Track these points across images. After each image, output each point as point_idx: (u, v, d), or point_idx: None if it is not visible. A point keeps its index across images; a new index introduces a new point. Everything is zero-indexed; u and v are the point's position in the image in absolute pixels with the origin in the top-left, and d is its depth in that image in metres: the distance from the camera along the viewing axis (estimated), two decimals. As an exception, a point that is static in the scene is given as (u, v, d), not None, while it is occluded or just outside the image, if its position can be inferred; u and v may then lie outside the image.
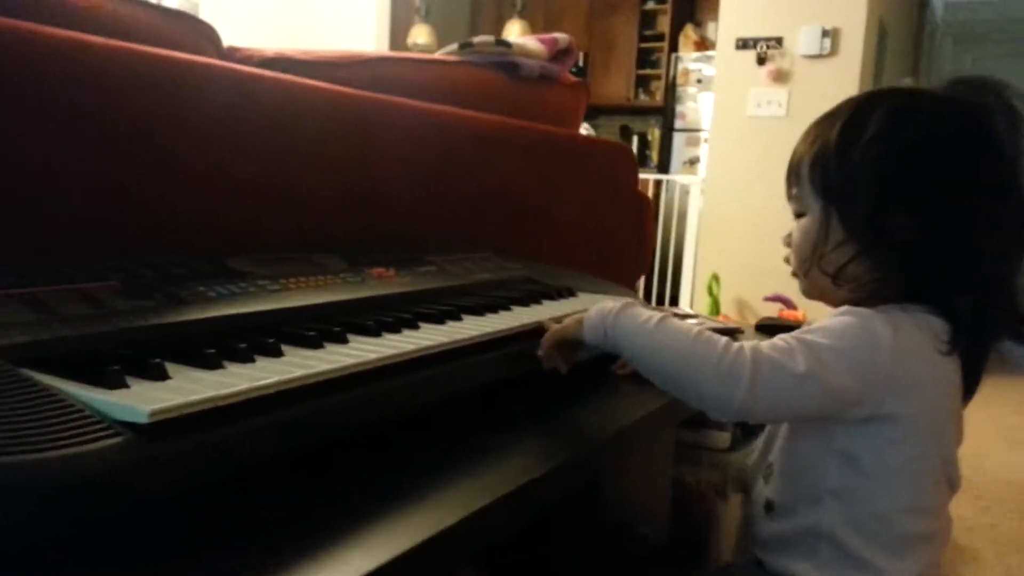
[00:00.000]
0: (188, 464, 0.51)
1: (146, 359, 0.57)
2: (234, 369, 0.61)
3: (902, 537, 0.75)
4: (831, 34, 3.75)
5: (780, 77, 3.87)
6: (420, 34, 5.29)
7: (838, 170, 0.76)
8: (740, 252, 3.92)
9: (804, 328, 0.76)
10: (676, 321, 0.78)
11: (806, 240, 0.79)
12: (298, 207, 1.09)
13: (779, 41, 3.88)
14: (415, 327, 0.81)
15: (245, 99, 1.00)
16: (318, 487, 0.58)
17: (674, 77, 5.74)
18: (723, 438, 1.27)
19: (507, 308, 0.96)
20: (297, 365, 0.63)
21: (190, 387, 0.55)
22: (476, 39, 1.72)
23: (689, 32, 5.83)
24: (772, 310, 3.67)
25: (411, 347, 0.72)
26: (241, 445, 0.54)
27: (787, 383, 0.71)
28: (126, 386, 0.54)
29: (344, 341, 0.72)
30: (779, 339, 0.74)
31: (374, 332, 0.76)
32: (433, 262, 1.10)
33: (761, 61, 3.90)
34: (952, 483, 0.78)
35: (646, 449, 1.03)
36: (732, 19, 4.02)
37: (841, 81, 3.72)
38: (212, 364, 0.60)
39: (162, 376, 0.57)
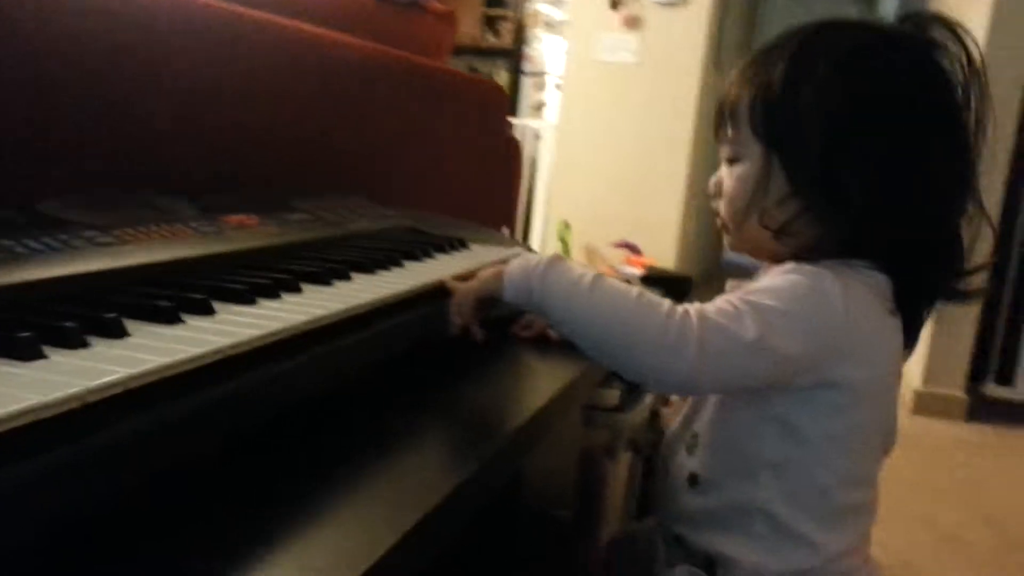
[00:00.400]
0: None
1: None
2: (58, 358, 0.44)
3: (838, 508, 0.71)
4: (684, -20, 3.76)
5: (633, 23, 3.85)
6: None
7: (784, 113, 0.68)
8: (591, 199, 3.92)
9: (750, 288, 0.68)
10: (612, 281, 0.68)
11: (741, 189, 0.72)
12: (129, 135, 0.88)
13: (632, -16, 3.84)
14: (296, 290, 0.65)
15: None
16: (162, 525, 0.43)
17: (523, 19, 5.62)
18: (611, 396, 1.20)
19: (398, 264, 0.82)
20: (147, 349, 0.47)
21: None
22: (334, -47, 1.52)
23: (538, -28, 5.71)
24: (621, 257, 3.71)
25: (300, 318, 0.57)
26: (70, 474, 0.38)
27: (736, 352, 0.64)
28: None
29: (209, 312, 0.56)
30: (725, 302, 0.66)
31: (247, 299, 0.60)
32: (301, 208, 0.93)
33: (614, 5, 3.86)
34: (887, 449, 0.74)
35: (559, 426, 0.94)
36: (586, -41, 3.94)
37: (691, 29, 3.75)
38: (28, 353, 0.43)
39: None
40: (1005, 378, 2.71)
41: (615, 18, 3.88)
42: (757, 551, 0.70)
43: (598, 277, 0.68)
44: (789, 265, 0.69)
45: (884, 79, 0.68)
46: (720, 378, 0.66)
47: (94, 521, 0.38)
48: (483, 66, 6.20)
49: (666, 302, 0.66)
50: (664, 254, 3.79)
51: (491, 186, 1.85)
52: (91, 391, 0.39)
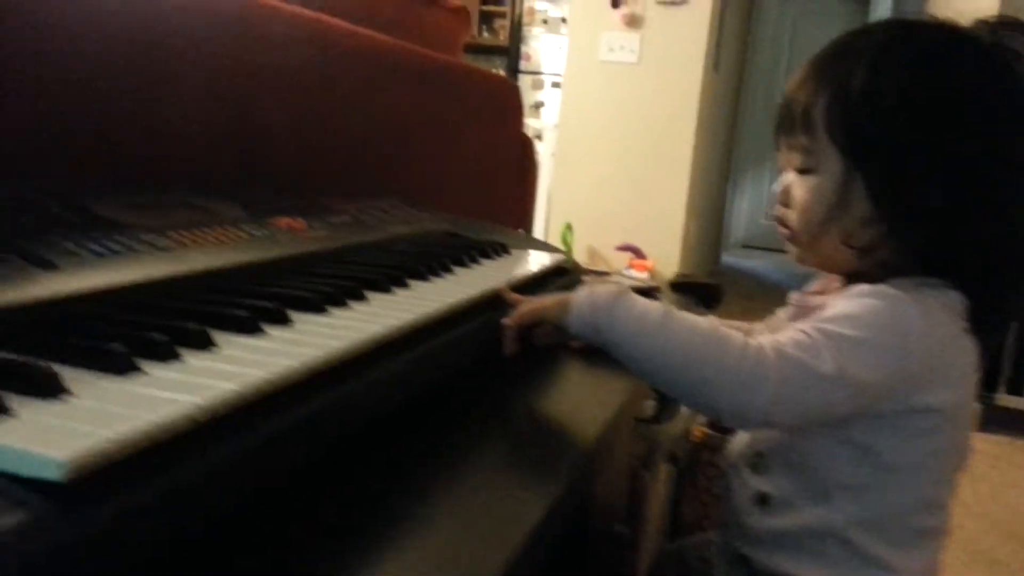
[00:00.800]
0: (119, 535, 0.33)
1: (28, 369, 0.37)
2: (155, 373, 0.42)
3: (915, 532, 0.69)
4: (686, -19, 3.75)
5: (633, 22, 3.84)
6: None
7: (868, 124, 0.65)
8: (593, 200, 3.91)
9: (825, 316, 0.65)
10: (682, 315, 0.66)
11: (819, 203, 0.69)
12: (166, 134, 0.86)
13: (634, -16, 3.83)
14: (361, 298, 0.64)
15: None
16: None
17: (519, 16, 5.60)
18: (648, 406, 1.19)
19: (449, 270, 0.80)
20: (237, 361, 0.46)
21: (106, 410, 0.37)
22: (354, -51, 1.50)
23: (534, -30, 5.69)
24: (624, 260, 3.70)
25: (377, 329, 0.55)
26: (185, 496, 0.37)
27: (815, 387, 0.62)
28: (5, 412, 0.35)
29: (286, 321, 0.54)
30: (800, 333, 0.64)
31: (318, 307, 0.58)
32: (342, 210, 0.92)
33: (615, 4, 3.84)
34: (961, 469, 0.72)
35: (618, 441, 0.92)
36: (586, -42, 3.92)
37: (692, 29, 3.75)
38: (122, 366, 0.41)
39: (56, 391, 0.37)
40: (1016, 388, 2.72)
41: (616, 17, 3.87)
42: (831, 574, 0.69)
43: (668, 312, 0.66)
44: (864, 287, 0.66)
45: (973, 88, 0.65)
46: (799, 413, 0.64)
47: (199, 543, 0.37)
48: (478, 64, 6.17)
49: (739, 336, 0.64)
50: (667, 256, 3.78)
51: (506, 186, 1.83)
52: (202, 409, 0.38)
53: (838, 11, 6.62)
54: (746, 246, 6.90)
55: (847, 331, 0.63)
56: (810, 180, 0.70)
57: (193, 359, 0.45)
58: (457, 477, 0.52)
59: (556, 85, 5.24)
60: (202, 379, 0.41)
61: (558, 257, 0.98)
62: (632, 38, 3.84)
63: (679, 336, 0.64)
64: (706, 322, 0.66)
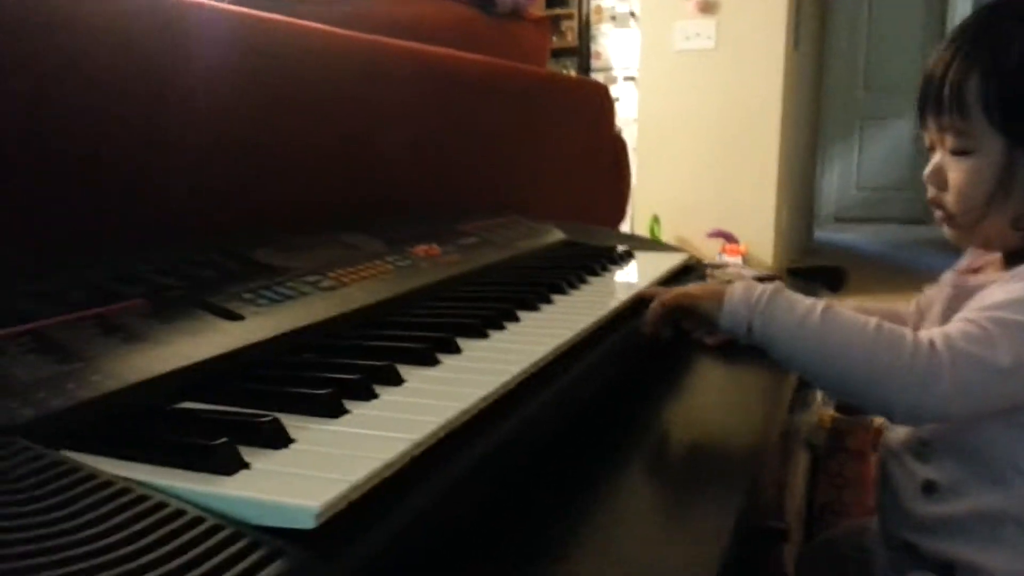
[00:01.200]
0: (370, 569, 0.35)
1: (256, 423, 0.40)
2: (359, 411, 0.44)
3: None
4: (757, -41, 3.66)
5: (707, 8, 3.77)
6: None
7: None
8: (678, 190, 3.86)
9: (994, 302, 0.63)
10: (843, 312, 0.64)
11: (979, 185, 0.66)
12: (296, 174, 0.90)
13: (704, -30, 3.77)
14: (515, 319, 0.65)
15: (223, 42, 0.79)
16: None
17: (587, 15, 5.58)
18: (782, 396, 1.17)
19: (584, 281, 0.81)
20: (426, 394, 0.47)
21: (333, 454, 0.38)
22: (438, -28, 1.53)
23: (597, -34, 5.66)
24: (715, 246, 3.64)
25: (545, 349, 0.56)
26: (413, 527, 0.38)
27: (992, 381, 0.60)
28: (243, 466, 0.37)
29: (456, 350, 0.56)
30: (969, 324, 0.61)
31: (480, 332, 0.60)
32: (469, 232, 0.93)
33: (687, -9, 3.78)
34: None
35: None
36: (653, -53, 3.88)
37: (769, 10, 3.65)
38: (333, 410, 0.43)
39: (280, 441, 0.39)
40: None
41: (689, 5, 3.80)
42: (1008, 558, 0.66)
43: (827, 309, 0.64)
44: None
45: None
46: (976, 407, 0.62)
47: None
48: (551, 67, 6.18)
49: (908, 333, 0.62)
50: (760, 240, 3.70)
51: (602, 186, 1.83)
52: (418, 445, 0.39)
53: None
54: (839, 219, 6.68)
55: (1021, 317, 0.60)
56: (967, 162, 0.67)
57: (387, 395, 0.47)
58: (636, 488, 0.52)
59: (628, 79, 5.19)
60: (404, 415, 0.43)
61: (682, 256, 0.97)
62: (708, 24, 3.78)
63: (844, 335, 0.63)
64: (873, 321, 0.64)
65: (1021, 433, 0.64)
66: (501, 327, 0.62)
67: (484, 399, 0.46)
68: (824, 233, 6.03)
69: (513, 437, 0.46)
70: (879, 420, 1.45)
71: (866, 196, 6.78)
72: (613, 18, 5.49)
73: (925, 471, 0.71)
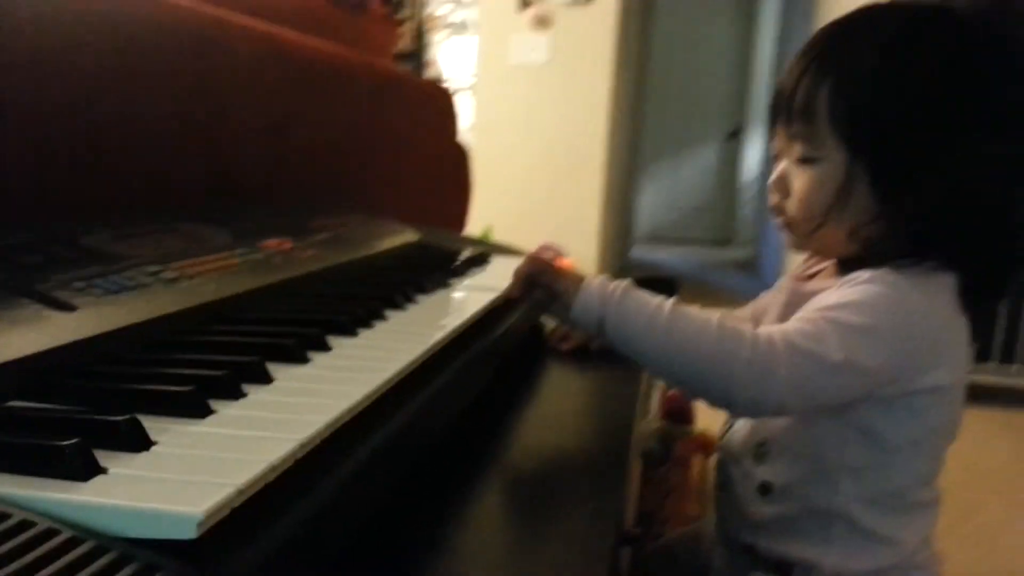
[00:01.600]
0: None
1: (99, 421, 0.35)
2: (225, 411, 0.40)
3: (914, 505, 0.71)
4: (589, -19, 3.81)
5: (542, 23, 3.87)
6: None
7: (878, 121, 0.66)
8: (511, 202, 3.92)
9: (829, 303, 0.66)
10: (689, 311, 0.66)
11: (819, 193, 0.69)
12: (128, 154, 0.81)
13: (540, -15, 3.87)
14: (382, 317, 0.62)
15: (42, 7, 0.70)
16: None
17: (423, 21, 5.56)
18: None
19: (447, 283, 0.79)
20: (297, 392, 0.43)
21: (199, 455, 0.34)
22: (282, -43, 1.45)
23: (434, -26, 5.67)
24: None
25: (422, 347, 0.54)
26: (297, 533, 0.35)
27: (825, 375, 0.63)
28: (99, 470, 0.32)
29: (326, 348, 0.52)
30: (806, 322, 0.65)
31: (350, 330, 0.56)
32: (322, 228, 0.89)
33: (524, 5, 3.87)
34: (951, 442, 0.75)
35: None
36: (492, -39, 3.94)
37: (600, 28, 3.81)
38: (197, 409, 0.39)
39: (140, 443, 0.35)
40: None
41: (524, 19, 3.89)
42: (838, 553, 0.70)
43: (675, 307, 0.66)
44: (864, 274, 0.67)
45: (984, 83, 0.66)
46: (810, 400, 0.65)
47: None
48: (383, 70, 6.09)
49: (749, 329, 0.65)
50: (585, 254, 3.83)
51: (445, 192, 1.82)
52: (303, 446, 0.36)
53: (726, 5, 6.89)
54: (652, 239, 7.09)
55: (853, 318, 0.64)
56: (811, 170, 0.69)
57: (256, 394, 0.42)
58: (508, 496, 0.51)
59: (463, 89, 5.23)
60: (280, 414, 0.39)
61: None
62: (541, 39, 3.88)
63: (691, 332, 0.64)
64: (713, 318, 0.66)
65: (849, 432, 0.68)
66: (370, 326, 0.59)
67: (368, 396, 0.43)
68: (639, 251, 6.38)
69: (397, 438, 0.44)
70: (703, 427, 1.54)
71: (677, 217, 7.24)
72: (448, 26, 5.51)
73: (761, 472, 0.74)
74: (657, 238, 7.09)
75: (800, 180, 0.71)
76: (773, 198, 0.74)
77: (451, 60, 5.50)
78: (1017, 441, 2.41)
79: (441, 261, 0.86)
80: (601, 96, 3.86)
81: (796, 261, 0.80)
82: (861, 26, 0.70)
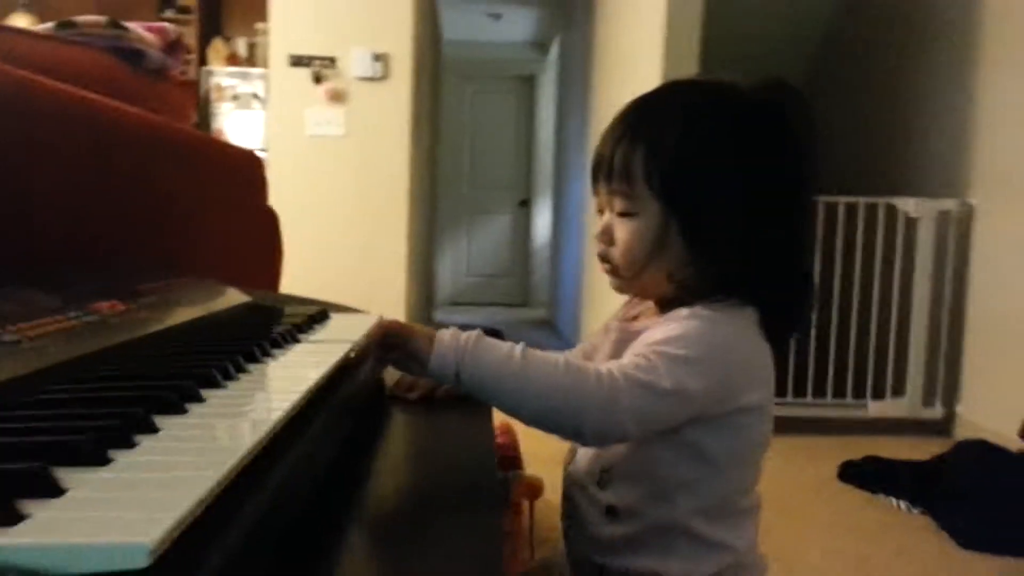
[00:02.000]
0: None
1: (4, 471, 0.33)
2: (124, 459, 0.39)
3: (741, 512, 0.80)
4: (382, 58, 3.93)
5: (337, 97, 3.92)
6: None
7: (684, 181, 0.76)
8: (316, 271, 3.86)
9: (655, 339, 0.74)
10: (537, 353, 0.73)
11: (640, 243, 0.78)
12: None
13: (333, 61, 3.93)
14: (245, 371, 0.62)
15: None
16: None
17: (207, 92, 5.41)
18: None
19: (297, 340, 0.79)
20: (188, 439, 0.43)
21: (117, 497, 0.34)
22: (80, 18, 1.40)
23: (219, 47, 5.55)
24: (351, 326, 3.69)
25: (299, 393, 0.54)
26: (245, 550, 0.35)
27: (658, 402, 0.71)
28: (19, 517, 0.31)
29: (201, 399, 0.51)
30: (640, 357, 0.73)
31: (217, 383, 0.56)
32: (146, 291, 0.85)
33: (317, 80, 3.90)
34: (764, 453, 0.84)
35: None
36: (282, 36, 3.95)
37: (395, 103, 3.92)
38: (96, 457, 0.38)
39: (54, 490, 0.33)
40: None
41: (319, 92, 3.92)
42: (682, 563, 0.77)
43: (524, 350, 0.72)
44: (683, 311, 0.76)
45: (765, 140, 0.78)
46: (647, 425, 0.73)
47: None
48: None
49: (592, 367, 0.72)
50: (393, 316, 3.84)
51: (256, 256, 1.78)
52: (219, 483, 0.36)
53: (508, 88, 7.34)
54: (453, 303, 7.24)
55: (679, 351, 0.72)
56: (631, 223, 0.78)
57: (146, 441, 0.42)
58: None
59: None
60: (181, 457, 0.39)
61: (374, 316, 1.00)
62: (337, 112, 3.92)
63: (542, 373, 0.71)
64: (559, 358, 0.73)
65: (681, 451, 0.76)
66: (236, 378, 0.59)
67: (268, 433, 0.43)
68: (442, 315, 6.49)
69: (290, 474, 0.44)
70: (532, 474, 1.60)
71: (475, 282, 7.46)
72: (235, 98, 5.40)
73: (606, 496, 0.80)
74: (457, 303, 7.25)
75: (622, 231, 0.79)
76: (599, 248, 0.83)
77: (237, 131, 5.38)
78: (803, 463, 2.69)
79: (281, 318, 0.86)
80: (400, 168, 3.95)
81: (590, 322, 0.87)
82: (665, 100, 0.82)
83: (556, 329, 5.70)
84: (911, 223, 3.16)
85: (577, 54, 5.31)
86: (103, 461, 0.38)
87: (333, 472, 0.59)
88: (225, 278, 1.53)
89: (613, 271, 0.82)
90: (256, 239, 1.77)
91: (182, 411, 0.48)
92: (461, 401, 0.88)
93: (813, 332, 3.00)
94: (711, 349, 0.74)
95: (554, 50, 6.72)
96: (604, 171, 0.80)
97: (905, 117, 3.67)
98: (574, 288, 4.86)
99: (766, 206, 0.77)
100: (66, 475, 0.35)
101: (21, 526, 0.30)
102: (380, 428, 0.79)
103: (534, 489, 1.58)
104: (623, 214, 0.79)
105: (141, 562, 0.28)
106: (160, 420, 0.45)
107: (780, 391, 3.03)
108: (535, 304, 7.19)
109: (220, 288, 1.00)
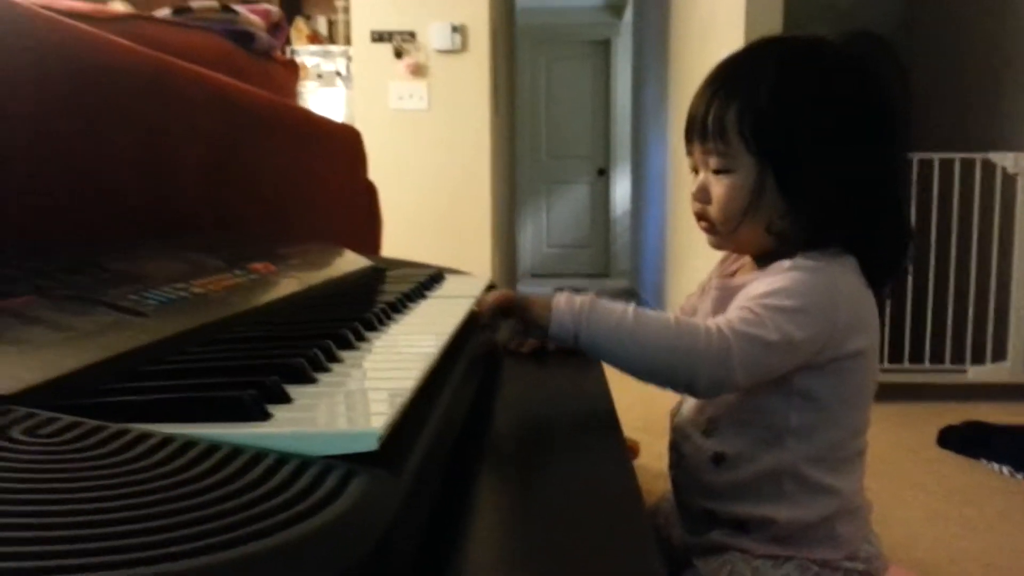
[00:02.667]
0: (426, 486, 0.38)
1: (246, 379, 0.41)
2: (326, 378, 0.47)
3: (848, 456, 0.83)
4: (460, 30, 3.98)
5: (418, 71, 4.00)
6: None
7: (779, 132, 0.79)
8: (400, 243, 3.98)
9: (759, 292, 0.78)
10: (648, 312, 0.77)
11: (738, 198, 0.81)
12: (93, 190, 0.85)
13: (412, 35, 4.01)
14: (392, 319, 0.69)
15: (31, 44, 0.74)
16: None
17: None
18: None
19: (424, 296, 0.87)
20: (386, 349, 0.51)
21: (336, 400, 0.41)
22: (194, 4, 1.50)
23: (300, 26, 5.71)
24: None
25: (451, 326, 0.61)
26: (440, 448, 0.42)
27: (765, 352, 0.74)
28: (267, 415, 0.38)
29: (364, 339, 0.59)
30: (743, 311, 0.76)
31: (375, 326, 0.64)
32: (288, 255, 0.95)
33: (398, 54, 3.99)
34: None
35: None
36: (364, 12, 4.04)
37: (473, 75, 3.98)
38: (307, 377, 0.45)
39: (285, 396, 0.41)
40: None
41: (401, 66, 4.01)
42: (789, 507, 0.81)
43: (636, 311, 0.76)
44: (785, 263, 0.80)
45: (861, 97, 0.80)
46: (757, 376, 0.77)
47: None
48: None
49: (699, 322, 0.76)
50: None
51: (358, 227, 1.88)
52: (425, 371, 0.43)
53: (583, 53, 7.30)
54: (534, 275, 7.31)
55: (784, 302, 0.76)
56: (727, 179, 0.82)
57: (339, 367, 0.49)
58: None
59: (341, 136, 5.25)
60: (385, 363, 0.47)
61: (486, 279, 1.07)
62: (419, 86, 4.01)
63: (653, 331, 0.75)
64: (669, 316, 0.78)
65: (792, 399, 0.80)
66: (389, 321, 0.66)
67: (443, 347, 0.51)
68: (523, 287, 6.57)
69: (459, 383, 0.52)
70: (628, 436, 1.66)
71: (556, 253, 7.50)
72: (319, 76, 5.55)
73: (713, 445, 0.84)
74: (537, 274, 7.31)
75: (718, 188, 0.83)
76: (696, 207, 0.86)
77: (321, 108, 5.54)
78: (899, 430, 2.67)
79: (415, 278, 0.94)
80: (482, 138, 4.01)
81: (674, 291, 0.90)
82: (754, 57, 0.84)
83: (640, 299, 5.71)
84: (1009, 179, 3.05)
85: (654, 15, 5.24)
86: (312, 380, 0.45)
87: (472, 409, 0.66)
88: (337, 243, 1.64)
89: (711, 228, 0.85)
90: (359, 209, 1.87)
91: (355, 347, 0.56)
92: (571, 354, 0.95)
93: (909, 295, 2.95)
94: (816, 298, 0.77)
95: (628, 12, 6.64)
96: (698, 130, 0.83)
97: (1003, 69, 3.53)
98: (657, 257, 4.86)
99: (859, 153, 0.79)
100: (289, 388, 0.43)
101: (272, 421, 0.37)
102: (501, 375, 0.86)
103: (631, 450, 1.65)
104: (719, 171, 0.82)
105: (372, 446, 0.36)
106: (341, 353, 0.53)
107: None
108: (617, 274, 7.18)
109: (345, 252, 1.09)
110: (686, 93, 0.87)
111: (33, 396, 0.37)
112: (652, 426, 2.32)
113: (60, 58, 0.77)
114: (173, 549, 0.24)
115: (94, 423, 0.35)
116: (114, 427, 0.34)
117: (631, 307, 0.78)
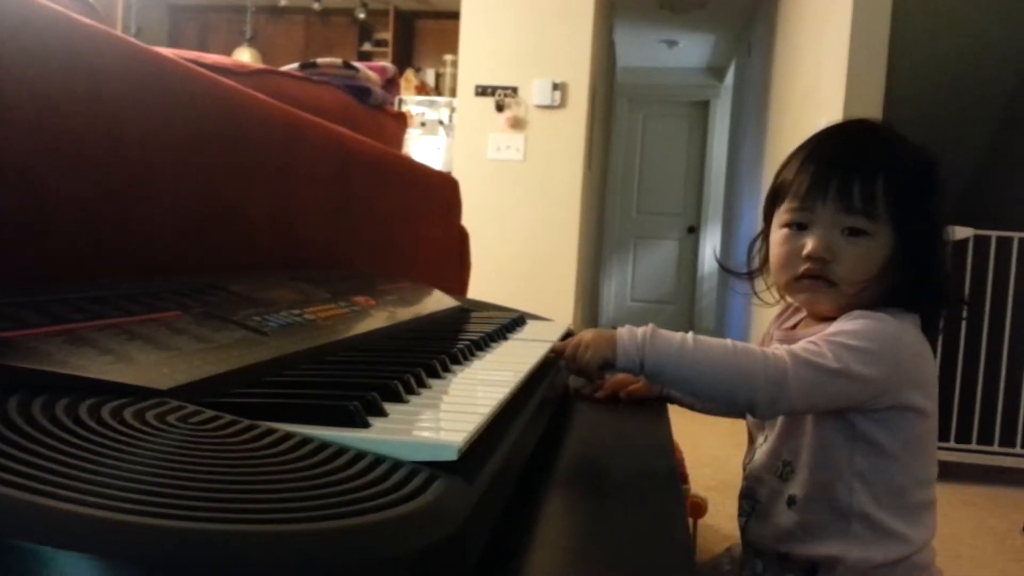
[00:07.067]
0: (495, 496, 0.44)
1: (351, 393, 0.48)
2: (416, 399, 0.54)
3: (916, 505, 0.86)
4: (560, 87, 4.12)
5: (517, 124, 4.15)
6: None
7: (914, 202, 0.86)
8: (489, 288, 4.09)
9: (824, 333, 0.83)
10: (707, 339, 0.83)
11: (870, 262, 0.86)
12: (230, 225, 0.96)
13: (515, 91, 4.17)
14: (475, 356, 0.76)
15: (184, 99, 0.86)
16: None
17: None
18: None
19: (506, 337, 0.94)
20: (463, 386, 0.58)
21: (424, 416, 0.48)
22: (320, 60, 1.65)
23: (410, 77, 6.00)
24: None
25: (528, 366, 0.68)
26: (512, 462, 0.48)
27: (823, 379, 0.79)
28: (367, 424, 0.45)
29: (451, 371, 0.66)
30: (809, 343, 0.82)
31: (460, 361, 0.71)
32: (385, 291, 1.03)
33: (500, 108, 4.15)
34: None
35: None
36: (470, 68, 4.23)
37: (570, 130, 4.10)
38: (399, 397, 0.53)
39: (381, 410, 0.48)
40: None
41: (501, 119, 4.17)
42: (859, 548, 0.84)
43: (695, 338, 0.82)
44: (858, 312, 0.85)
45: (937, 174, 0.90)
46: (813, 400, 0.81)
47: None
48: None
49: (757, 347, 0.81)
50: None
51: (449, 271, 1.98)
52: (506, 397, 0.50)
53: (681, 113, 7.37)
54: (615, 327, 7.29)
55: (849, 340, 0.81)
56: (864, 242, 0.86)
57: (435, 383, 0.56)
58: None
59: (438, 182, 5.44)
60: (467, 392, 0.53)
61: (565, 325, 1.13)
62: (517, 138, 4.15)
63: (714, 355, 0.81)
64: (727, 341, 0.83)
65: (853, 443, 0.85)
66: (472, 357, 0.73)
67: (522, 379, 0.57)
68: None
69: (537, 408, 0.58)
70: (697, 493, 1.67)
71: (639, 307, 7.49)
72: (423, 124, 5.81)
73: (788, 488, 0.89)
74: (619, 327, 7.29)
75: (852, 249, 0.86)
76: (813, 265, 0.87)
77: (421, 155, 5.77)
78: (985, 515, 2.57)
79: (497, 321, 1.01)
80: (573, 191, 4.11)
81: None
82: (879, 136, 0.92)
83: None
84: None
85: (755, 79, 5.27)
86: (404, 400, 0.52)
87: (540, 444, 0.72)
88: (429, 283, 1.74)
89: (830, 285, 0.87)
90: (451, 253, 1.97)
91: (441, 377, 0.63)
92: (641, 403, 1.00)
93: (1003, 375, 2.85)
94: (881, 342, 0.82)
95: (729, 75, 6.68)
96: (837, 191, 0.86)
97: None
98: (743, 315, 4.82)
99: (942, 228, 0.88)
100: (385, 405, 0.50)
101: (371, 429, 0.45)
102: (572, 417, 0.91)
103: (699, 508, 1.66)
104: (856, 232, 0.86)
105: (452, 456, 0.42)
106: (430, 380, 0.60)
107: (964, 437, 2.89)
108: (700, 331, 7.10)
109: (436, 292, 1.17)
110: (783, 156, 0.94)
111: (181, 392, 0.46)
112: (723, 486, 2.31)
113: (208, 108, 0.89)
114: (300, 514, 0.31)
115: (230, 417, 0.42)
116: (246, 422, 0.42)
117: (690, 334, 0.84)
